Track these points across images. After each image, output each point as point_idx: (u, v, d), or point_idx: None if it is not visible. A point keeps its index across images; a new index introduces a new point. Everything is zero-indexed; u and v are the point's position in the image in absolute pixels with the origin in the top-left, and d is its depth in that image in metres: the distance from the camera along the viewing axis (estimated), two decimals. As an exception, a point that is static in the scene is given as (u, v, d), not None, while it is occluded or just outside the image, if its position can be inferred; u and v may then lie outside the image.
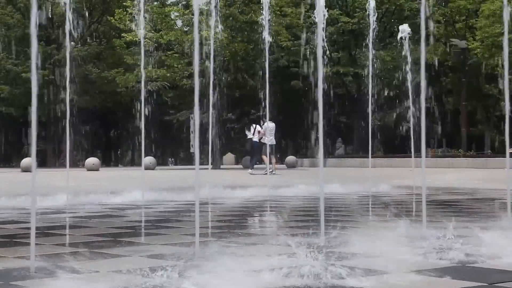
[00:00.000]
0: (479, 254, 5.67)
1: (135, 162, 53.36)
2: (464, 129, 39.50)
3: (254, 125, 27.30)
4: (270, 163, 24.77)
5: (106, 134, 56.91)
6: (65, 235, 8.42)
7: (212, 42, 15.69)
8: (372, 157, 18.65)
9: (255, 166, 27.01)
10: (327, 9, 12.34)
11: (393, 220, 8.43)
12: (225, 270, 5.04)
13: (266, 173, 21.83)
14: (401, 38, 16.21)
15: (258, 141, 26.69)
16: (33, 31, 6.13)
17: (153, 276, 4.84)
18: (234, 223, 9.28)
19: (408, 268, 5.23)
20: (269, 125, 25.26)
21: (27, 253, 5.89)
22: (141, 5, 14.07)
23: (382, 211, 10.83)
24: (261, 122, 26.46)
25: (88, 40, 50.54)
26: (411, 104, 15.63)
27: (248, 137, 27.46)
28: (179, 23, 37.17)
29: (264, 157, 26.17)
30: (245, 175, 25.04)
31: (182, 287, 4.57)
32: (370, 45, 16.92)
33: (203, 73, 37.62)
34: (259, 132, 26.70)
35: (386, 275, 5.01)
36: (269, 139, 25.64)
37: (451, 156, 28.96)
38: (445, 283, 4.82)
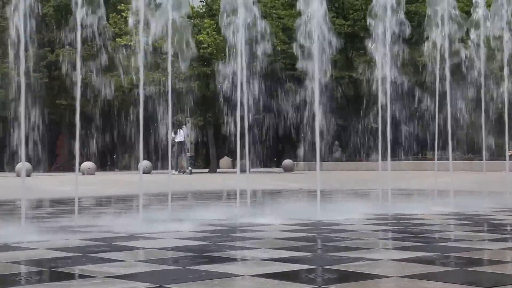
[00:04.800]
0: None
1: (130, 166, 53.26)
2: (461, 131, 39.46)
3: (179, 130, 29.33)
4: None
5: (102, 138, 56.72)
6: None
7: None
8: (366, 160, 18.70)
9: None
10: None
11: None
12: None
13: (184, 172, 27.63)
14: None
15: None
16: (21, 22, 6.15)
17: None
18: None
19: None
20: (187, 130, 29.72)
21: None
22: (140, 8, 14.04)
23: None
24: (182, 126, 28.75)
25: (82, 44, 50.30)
26: (407, 106, 15.62)
27: (178, 140, 29.23)
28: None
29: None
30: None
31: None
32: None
33: (199, 77, 37.68)
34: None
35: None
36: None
37: (447, 159, 28.82)
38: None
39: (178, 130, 29.78)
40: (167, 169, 25.54)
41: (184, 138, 29.89)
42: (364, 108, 18.42)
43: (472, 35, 15.01)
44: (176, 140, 29.68)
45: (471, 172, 22.44)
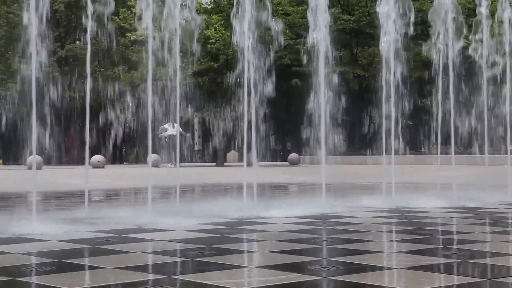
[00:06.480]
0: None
1: (140, 159, 53.53)
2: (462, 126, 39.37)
3: (172, 123, 29.61)
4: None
5: (111, 132, 56.83)
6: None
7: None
8: (371, 155, 18.79)
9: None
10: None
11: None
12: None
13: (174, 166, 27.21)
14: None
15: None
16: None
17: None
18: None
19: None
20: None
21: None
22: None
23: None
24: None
25: (92, 40, 50.49)
26: (410, 101, 15.73)
27: (169, 133, 29.50)
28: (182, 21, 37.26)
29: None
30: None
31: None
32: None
33: (206, 72, 37.84)
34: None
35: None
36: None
37: (449, 153, 28.84)
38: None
39: (172, 124, 29.99)
40: (170, 162, 25.73)
41: (176, 132, 30.16)
42: (368, 103, 18.54)
43: (475, 31, 15.12)
44: (168, 133, 30.11)
45: (473, 166, 22.54)
